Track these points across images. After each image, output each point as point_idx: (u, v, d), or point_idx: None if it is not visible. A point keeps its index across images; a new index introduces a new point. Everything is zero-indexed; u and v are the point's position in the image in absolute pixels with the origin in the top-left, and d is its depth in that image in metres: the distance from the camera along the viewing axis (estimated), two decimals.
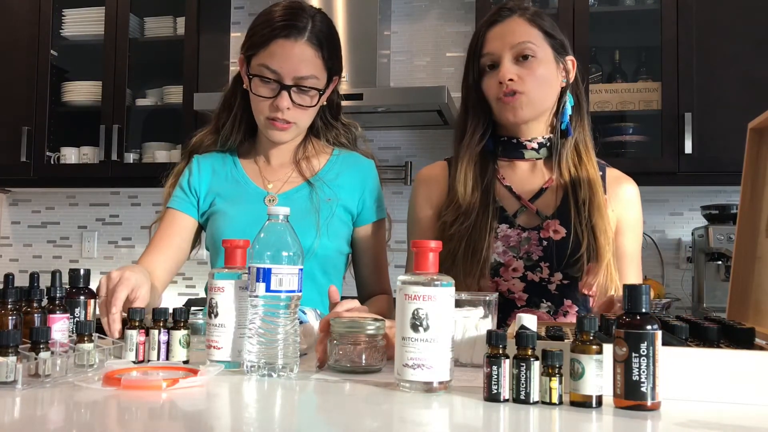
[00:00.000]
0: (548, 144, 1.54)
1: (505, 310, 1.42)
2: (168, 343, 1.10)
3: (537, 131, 1.53)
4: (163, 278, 1.57)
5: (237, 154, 1.68)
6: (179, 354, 1.09)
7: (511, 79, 1.45)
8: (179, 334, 1.10)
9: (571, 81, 1.54)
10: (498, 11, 1.52)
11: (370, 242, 1.66)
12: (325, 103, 1.62)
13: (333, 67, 1.58)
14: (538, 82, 1.47)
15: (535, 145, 1.53)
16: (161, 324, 1.10)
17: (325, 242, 1.56)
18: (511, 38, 1.47)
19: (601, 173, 1.55)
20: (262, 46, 1.51)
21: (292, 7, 1.54)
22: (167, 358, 1.09)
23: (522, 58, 1.46)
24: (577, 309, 1.48)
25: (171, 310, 1.13)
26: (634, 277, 1.56)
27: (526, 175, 1.56)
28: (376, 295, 1.64)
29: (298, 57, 1.50)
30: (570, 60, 1.53)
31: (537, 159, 1.55)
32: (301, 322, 1.22)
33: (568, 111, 1.53)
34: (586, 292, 1.49)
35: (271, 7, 1.56)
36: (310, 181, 1.62)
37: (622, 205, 1.55)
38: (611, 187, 1.56)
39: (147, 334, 1.10)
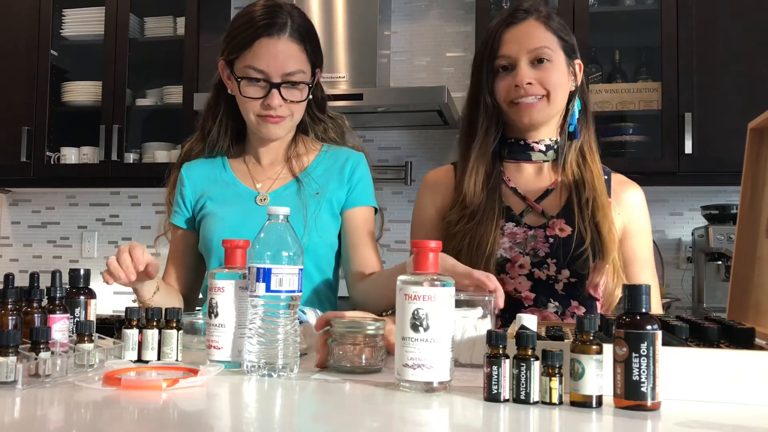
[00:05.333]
0: (555, 147, 1.55)
1: (511, 311, 1.38)
2: (160, 343, 1.10)
3: (545, 133, 1.54)
4: (189, 292, 1.67)
5: (226, 156, 1.69)
6: (172, 354, 1.09)
7: (529, 83, 1.46)
8: (172, 334, 1.10)
9: (578, 85, 1.55)
10: (514, 12, 1.52)
11: (358, 223, 1.61)
12: (310, 97, 1.62)
13: (316, 61, 1.59)
14: (554, 86, 1.48)
15: (543, 147, 1.54)
16: (155, 324, 1.10)
17: (314, 238, 1.55)
18: (528, 42, 1.48)
19: (606, 178, 1.56)
20: (244, 48, 1.52)
21: (268, 5, 1.55)
22: (159, 358, 1.10)
23: (538, 62, 1.48)
24: (584, 311, 1.47)
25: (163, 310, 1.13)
26: (650, 281, 1.54)
27: (531, 177, 1.57)
28: (375, 272, 1.58)
29: (283, 53, 1.51)
30: (577, 64, 1.55)
31: (544, 161, 1.56)
32: (301, 322, 1.22)
33: (576, 114, 1.55)
34: (592, 293, 1.48)
35: (245, 9, 1.57)
36: (299, 177, 1.62)
37: (629, 210, 1.56)
38: (617, 193, 1.56)
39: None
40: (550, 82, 1.48)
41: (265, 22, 1.51)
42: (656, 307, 1.57)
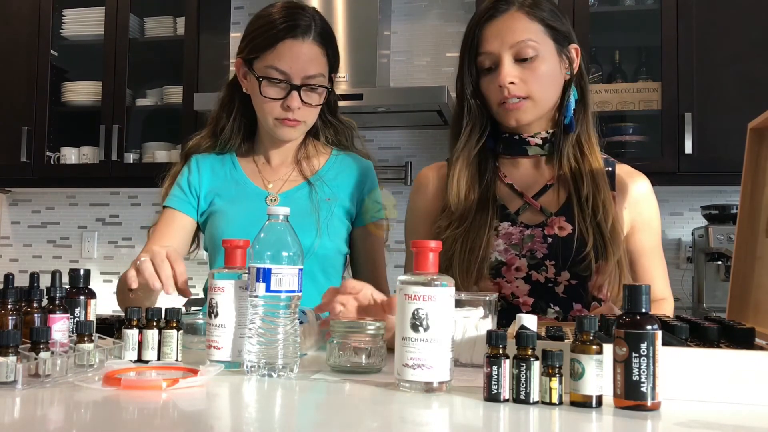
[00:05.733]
0: (552, 139, 1.47)
1: (509, 317, 1.29)
2: (160, 343, 1.10)
3: (540, 126, 1.47)
4: None
5: (235, 155, 1.68)
6: (172, 354, 1.09)
7: (512, 83, 1.39)
8: (172, 334, 1.10)
9: (575, 71, 1.47)
10: (495, 4, 1.43)
11: (368, 243, 1.66)
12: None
13: (334, 64, 1.60)
14: (542, 83, 1.41)
15: (539, 141, 1.47)
16: (155, 324, 1.10)
17: (325, 242, 1.57)
18: (510, 36, 1.40)
19: (610, 169, 1.50)
20: (267, 48, 1.51)
21: (292, 7, 1.55)
22: (159, 358, 1.10)
23: (522, 59, 1.40)
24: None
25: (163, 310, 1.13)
26: (660, 270, 1.51)
27: (529, 172, 1.51)
28: None
29: (306, 56, 1.51)
30: (574, 48, 1.46)
31: (542, 155, 1.49)
32: (301, 323, 1.22)
33: (572, 105, 1.47)
34: (596, 294, 1.41)
35: (267, 9, 1.56)
36: (310, 180, 1.62)
37: (637, 203, 1.49)
38: (623, 185, 1.49)
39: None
40: (536, 81, 1.40)
41: (289, 23, 1.51)
42: (665, 291, 1.53)
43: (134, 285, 1.21)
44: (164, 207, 1.64)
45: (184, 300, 1.64)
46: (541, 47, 1.41)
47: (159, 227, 1.61)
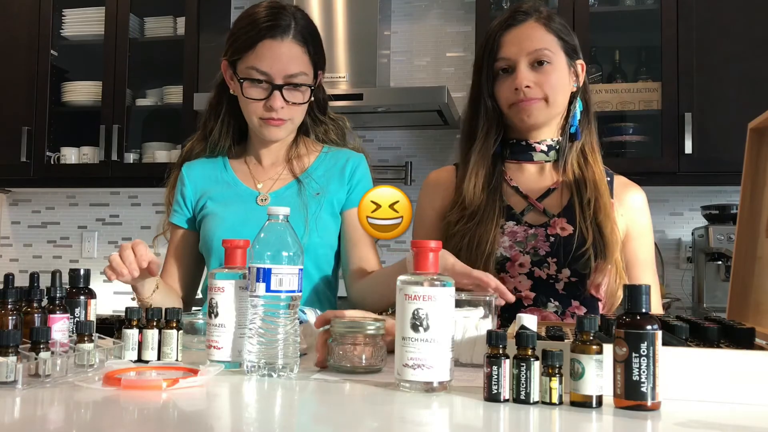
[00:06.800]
0: (557, 147, 1.55)
1: (511, 310, 1.36)
2: (160, 343, 1.10)
3: (546, 134, 1.55)
4: (187, 292, 1.66)
5: (227, 156, 1.69)
6: (172, 354, 1.09)
7: (528, 86, 1.47)
8: (172, 334, 1.10)
9: (580, 85, 1.55)
10: (513, 14, 1.52)
11: (358, 222, 1.61)
12: (311, 99, 1.62)
13: (318, 62, 1.59)
14: (554, 88, 1.48)
15: (544, 148, 1.55)
16: (155, 324, 1.10)
17: (314, 237, 1.56)
18: (528, 44, 1.48)
19: (608, 179, 1.56)
20: (248, 49, 1.52)
21: (273, 7, 1.55)
22: (159, 358, 1.10)
23: (537, 64, 1.48)
24: (585, 311, 1.47)
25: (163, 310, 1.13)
26: (651, 282, 1.55)
27: (533, 177, 1.57)
28: (374, 270, 1.59)
29: (286, 56, 1.51)
30: (580, 64, 1.55)
31: (546, 161, 1.56)
32: (301, 322, 1.22)
33: (578, 116, 1.55)
34: (594, 293, 1.48)
35: (249, 10, 1.57)
36: (299, 178, 1.62)
37: (632, 212, 1.56)
38: (619, 195, 1.57)
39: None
40: (550, 85, 1.48)
41: (268, 23, 1.51)
42: (656, 308, 1.57)
43: (113, 278, 1.31)
44: (170, 222, 1.69)
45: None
46: (555, 57, 1.49)
47: (170, 249, 1.69)
